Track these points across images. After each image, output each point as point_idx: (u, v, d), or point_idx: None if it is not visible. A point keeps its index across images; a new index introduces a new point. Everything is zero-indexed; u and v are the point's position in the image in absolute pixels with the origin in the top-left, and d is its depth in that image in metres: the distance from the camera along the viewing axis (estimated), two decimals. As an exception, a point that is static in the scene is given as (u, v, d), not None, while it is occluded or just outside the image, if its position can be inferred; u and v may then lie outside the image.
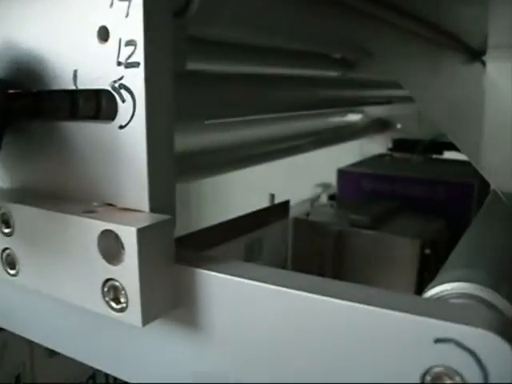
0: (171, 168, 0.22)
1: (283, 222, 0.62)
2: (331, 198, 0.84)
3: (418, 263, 0.60)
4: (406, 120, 1.06)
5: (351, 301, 0.18)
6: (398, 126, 1.06)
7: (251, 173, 0.80)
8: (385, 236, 0.61)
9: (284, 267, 0.63)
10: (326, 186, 0.92)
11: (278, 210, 0.61)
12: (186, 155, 0.44)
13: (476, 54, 0.90)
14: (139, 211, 0.22)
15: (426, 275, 0.62)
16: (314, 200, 0.86)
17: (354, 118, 1.02)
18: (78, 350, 0.27)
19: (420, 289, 0.61)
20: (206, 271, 0.21)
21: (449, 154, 0.97)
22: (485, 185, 0.88)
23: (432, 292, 0.22)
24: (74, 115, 0.25)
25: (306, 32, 0.38)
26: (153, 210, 0.22)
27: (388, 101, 0.94)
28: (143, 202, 0.21)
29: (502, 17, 0.53)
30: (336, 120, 0.98)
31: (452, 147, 0.96)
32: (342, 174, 0.82)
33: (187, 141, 0.44)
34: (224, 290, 0.20)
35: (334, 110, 0.88)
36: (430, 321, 0.17)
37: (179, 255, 0.22)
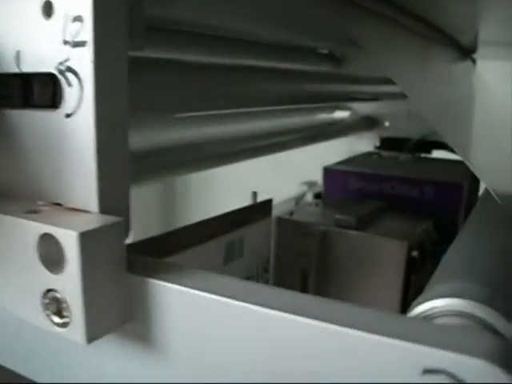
0: (125, 164, 0.20)
1: (265, 222, 0.60)
2: (317, 196, 0.81)
3: (404, 266, 0.58)
4: (394, 118, 1.04)
5: (325, 321, 0.15)
6: (386, 123, 1.05)
7: (235, 170, 0.78)
8: (371, 237, 0.59)
9: (266, 269, 0.61)
10: (311, 184, 0.90)
11: (260, 209, 0.59)
12: (158, 151, 0.42)
13: (466, 52, 0.89)
14: (87, 212, 0.19)
15: (412, 278, 0.60)
16: (298, 198, 0.83)
17: (341, 114, 1.01)
18: (20, 363, 0.24)
19: (406, 292, 0.59)
20: (160, 282, 0.18)
21: (437, 154, 0.96)
22: (475, 185, 0.86)
23: (419, 309, 0.19)
24: (26, 103, 0.22)
25: (291, 21, 0.36)
26: (103, 210, 0.19)
27: (376, 97, 0.93)
28: (92, 202, 0.19)
29: (492, 13, 0.52)
30: (323, 117, 0.96)
31: (441, 146, 0.94)
32: (328, 172, 0.80)
33: (159, 136, 0.41)
34: (180, 302, 0.18)
35: (320, 105, 0.86)
36: (417, 347, 0.14)
37: (132, 262, 0.19)
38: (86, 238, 0.17)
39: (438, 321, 0.18)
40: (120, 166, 0.19)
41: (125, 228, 0.19)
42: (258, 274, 0.60)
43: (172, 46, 0.33)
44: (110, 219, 0.18)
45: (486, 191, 0.44)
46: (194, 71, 0.37)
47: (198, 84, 0.37)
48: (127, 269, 0.19)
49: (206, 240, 0.49)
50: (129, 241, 0.38)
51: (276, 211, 0.63)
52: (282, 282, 0.63)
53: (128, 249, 0.20)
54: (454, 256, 0.25)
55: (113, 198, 0.19)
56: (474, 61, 0.93)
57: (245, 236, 0.56)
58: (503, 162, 0.59)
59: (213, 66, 0.42)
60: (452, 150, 0.97)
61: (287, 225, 0.63)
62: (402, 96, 0.94)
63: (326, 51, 0.76)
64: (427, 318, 0.19)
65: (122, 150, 0.19)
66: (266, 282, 0.62)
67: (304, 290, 0.61)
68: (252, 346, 0.17)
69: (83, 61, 0.18)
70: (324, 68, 0.74)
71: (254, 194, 0.59)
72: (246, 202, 0.58)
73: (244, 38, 0.49)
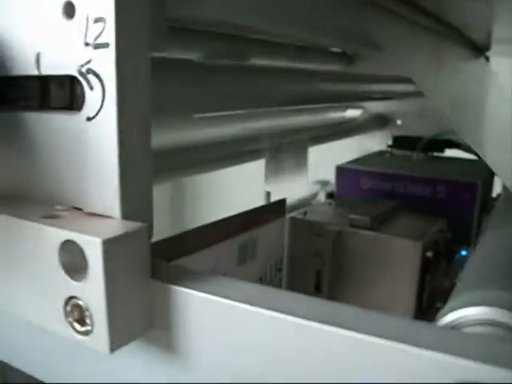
0: (147, 168, 0.19)
1: (279, 222, 0.59)
2: (329, 196, 0.81)
3: (419, 266, 0.57)
4: (406, 116, 1.03)
5: (357, 331, 0.15)
6: (399, 122, 1.04)
7: (247, 169, 0.77)
8: (385, 237, 0.58)
9: (280, 269, 0.61)
10: (324, 183, 0.90)
11: (273, 209, 0.59)
12: (176, 151, 0.41)
13: (480, 50, 0.88)
14: (109, 217, 0.19)
15: (427, 278, 0.59)
16: (311, 198, 0.83)
17: (353, 113, 1.00)
18: (44, 371, 0.24)
19: (421, 293, 0.59)
20: (184, 289, 0.18)
21: (450, 153, 0.95)
22: (489, 184, 0.85)
23: (450, 317, 0.19)
24: (45, 105, 0.22)
25: (310, 21, 0.36)
26: (125, 216, 0.18)
27: (388, 96, 0.92)
28: (114, 207, 0.18)
29: (506, 12, 0.51)
30: (335, 115, 0.96)
31: (454, 145, 0.93)
32: (341, 171, 0.80)
33: (177, 135, 0.41)
34: (204, 310, 0.17)
35: (333, 104, 0.85)
36: (450, 359, 0.14)
37: (155, 268, 0.19)
38: (109, 245, 0.16)
39: (469, 330, 0.18)
40: (143, 170, 0.19)
41: (149, 233, 0.19)
42: (271, 274, 0.59)
43: (190, 45, 0.32)
44: (133, 225, 0.18)
45: (505, 189, 0.43)
46: (208, 72, 0.37)
47: (215, 84, 0.36)
48: (151, 275, 0.19)
49: (220, 241, 0.48)
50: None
51: (289, 211, 0.62)
52: (295, 282, 0.63)
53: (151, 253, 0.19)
54: (479, 260, 0.25)
55: (136, 202, 0.19)
56: (487, 58, 0.93)
57: (258, 237, 0.55)
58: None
59: (228, 66, 0.42)
60: (465, 149, 0.96)
61: (301, 225, 0.62)
62: (414, 94, 0.94)
63: (338, 50, 0.76)
64: (458, 326, 0.18)
65: (145, 153, 0.19)
66: (280, 282, 0.61)
67: (318, 290, 0.60)
68: (278, 356, 0.17)
69: (105, 63, 0.18)
70: (336, 67, 0.74)
71: (268, 194, 0.58)
72: (258, 200, 0.57)
73: (257, 38, 0.49)
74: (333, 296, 0.60)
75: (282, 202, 0.59)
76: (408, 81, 0.90)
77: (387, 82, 0.83)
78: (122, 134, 0.18)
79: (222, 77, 0.38)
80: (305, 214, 0.64)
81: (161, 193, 1.45)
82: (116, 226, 0.18)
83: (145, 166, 0.19)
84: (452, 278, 0.70)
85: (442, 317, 0.19)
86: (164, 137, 0.39)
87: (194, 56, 0.33)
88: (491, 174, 0.88)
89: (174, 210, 1.53)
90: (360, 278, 0.60)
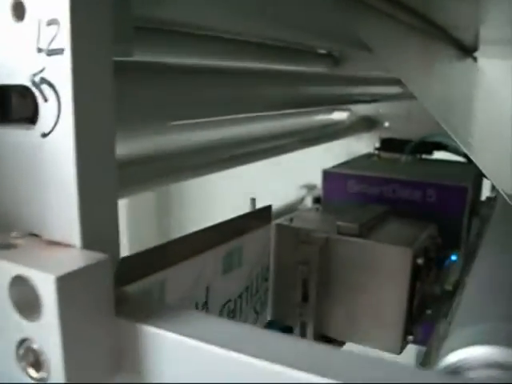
0: (111, 187, 0.17)
1: (265, 229, 0.57)
2: (316, 200, 0.79)
3: (410, 273, 0.55)
4: (394, 118, 1.02)
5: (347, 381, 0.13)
6: (386, 124, 1.03)
7: (232, 174, 0.76)
8: (375, 244, 0.56)
9: (266, 278, 0.59)
10: (310, 188, 0.88)
11: (259, 216, 0.57)
12: (150, 159, 0.39)
13: (468, 51, 0.87)
14: (68, 246, 0.16)
15: (417, 286, 0.57)
16: (298, 203, 0.81)
17: (339, 116, 0.98)
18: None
19: (411, 301, 0.57)
20: (154, 329, 0.16)
21: (438, 155, 0.94)
22: (478, 187, 0.84)
23: (449, 360, 0.16)
24: (4, 117, 0.20)
25: (294, 20, 0.34)
26: (86, 244, 0.16)
27: (375, 99, 0.90)
28: (73, 235, 0.16)
29: (493, 12, 0.50)
30: (321, 118, 0.94)
31: (442, 147, 0.92)
32: (328, 175, 0.78)
33: (152, 143, 0.39)
34: (178, 354, 0.15)
35: (319, 108, 0.83)
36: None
37: (121, 302, 0.17)
38: (65, 282, 0.14)
39: (474, 373, 0.16)
40: (106, 190, 0.17)
41: (113, 264, 0.16)
42: (257, 284, 0.57)
43: (164, 48, 0.30)
44: (94, 256, 0.16)
45: (500, 196, 0.42)
46: (186, 75, 0.35)
47: (192, 89, 0.34)
48: (115, 312, 0.16)
49: (204, 250, 0.47)
50: (123, 254, 0.36)
51: (274, 217, 0.60)
52: (281, 291, 0.61)
53: (116, 282, 0.17)
54: (478, 285, 0.22)
55: (98, 228, 0.17)
56: (475, 59, 0.92)
57: (244, 245, 0.53)
58: (506, 161, 0.57)
59: (206, 69, 0.40)
60: (453, 151, 0.95)
61: (287, 232, 0.61)
62: (401, 96, 0.93)
63: (324, 51, 0.74)
64: (461, 369, 0.16)
65: (108, 170, 0.17)
66: (266, 291, 0.59)
67: (305, 300, 0.58)
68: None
69: (60, 71, 0.15)
70: (322, 68, 0.72)
71: (253, 201, 0.56)
72: (244, 206, 0.56)
73: (238, 38, 0.47)
74: (320, 306, 0.58)
75: (268, 208, 0.57)
76: (394, 82, 0.89)
77: (373, 84, 0.81)
78: (80, 151, 0.16)
79: (200, 80, 0.36)
80: (291, 220, 0.62)
81: (146, 200, 1.43)
82: (74, 257, 0.16)
83: (108, 187, 0.17)
84: (442, 283, 0.69)
85: (442, 358, 0.17)
86: (138, 145, 0.37)
87: (167, 58, 0.31)
88: (480, 177, 0.87)
89: (160, 217, 1.50)
90: (348, 286, 0.58)
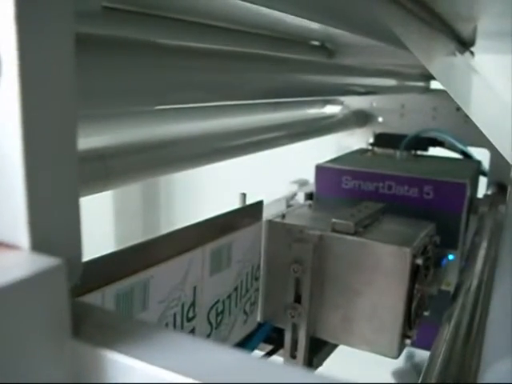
0: (71, 179, 0.13)
1: (256, 226, 0.54)
2: (309, 196, 0.76)
3: (408, 273, 0.53)
4: (388, 113, 1.00)
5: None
6: (380, 119, 1.00)
7: (220, 169, 0.73)
8: (371, 243, 0.54)
9: (256, 277, 0.56)
10: (302, 183, 0.85)
11: (250, 212, 0.54)
12: (129, 150, 0.36)
13: (466, 45, 0.85)
14: (14, 248, 0.13)
15: (416, 286, 0.55)
16: (289, 198, 0.78)
17: (332, 109, 0.96)
18: None
19: (409, 302, 0.54)
20: (120, 356, 0.12)
21: (433, 151, 0.92)
22: (475, 184, 0.82)
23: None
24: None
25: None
26: (36, 245, 0.12)
27: (369, 91, 0.88)
28: (20, 234, 0.12)
29: (491, 5, 0.48)
30: (313, 111, 0.91)
31: (437, 143, 0.90)
32: (321, 170, 0.75)
33: (130, 132, 0.35)
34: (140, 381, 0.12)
35: (310, 98, 0.80)
36: None
37: (81, 320, 0.13)
38: (3, 298, 0.11)
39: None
40: (62, 183, 0.13)
41: (73, 270, 0.13)
42: (247, 284, 0.54)
43: (141, 25, 0.27)
44: (44, 262, 0.12)
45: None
46: (168, 56, 0.31)
47: (174, 71, 0.30)
48: (72, 333, 0.13)
49: (190, 248, 0.44)
50: (109, 250, 0.33)
51: (266, 213, 0.57)
52: (273, 291, 0.58)
53: (78, 290, 0.13)
54: (503, 315, 0.19)
55: (52, 226, 0.13)
56: (472, 53, 0.90)
57: (233, 242, 0.51)
58: (503, 156, 0.55)
59: (190, 50, 0.36)
60: (449, 148, 0.93)
61: (279, 229, 0.58)
62: (396, 90, 0.90)
63: (317, 43, 0.71)
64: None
65: (67, 160, 0.13)
66: (256, 291, 0.56)
67: (297, 301, 0.56)
68: None
69: (2, 41, 0.12)
70: (316, 58, 0.69)
71: (243, 196, 0.53)
72: (233, 202, 0.53)
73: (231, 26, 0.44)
74: (313, 307, 0.56)
75: (259, 204, 0.55)
76: (388, 75, 0.86)
77: (368, 75, 0.78)
78: (28, 134, 0.12)
79: (183, 63, 0.32)
80: (283, 216, 0.59)
81: (132, 194, 1.39)
82: (18, 263, 0.12)
83: (66, 177, 0.13)
84: (439, 283, 0.66)
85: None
86: (123, 136, 0.33)
87: (146, 36, 0.28)
88: (477, 174, 0.85)
89: (147, 212, 1.46)
90: (344, 287, 0.55)
